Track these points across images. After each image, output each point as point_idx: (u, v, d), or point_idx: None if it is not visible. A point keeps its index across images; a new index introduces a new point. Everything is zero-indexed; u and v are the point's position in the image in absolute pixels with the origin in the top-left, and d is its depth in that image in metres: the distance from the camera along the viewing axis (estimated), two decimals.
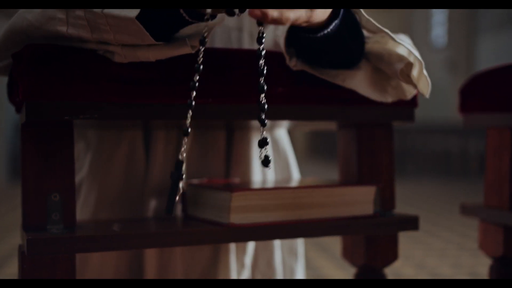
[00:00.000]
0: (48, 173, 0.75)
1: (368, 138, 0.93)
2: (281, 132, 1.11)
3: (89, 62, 0.74)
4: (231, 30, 0.99)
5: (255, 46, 0.95)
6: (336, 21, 0.77)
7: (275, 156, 1.09)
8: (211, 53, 0.80)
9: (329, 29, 0.76)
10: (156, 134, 0.98)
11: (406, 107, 0.91)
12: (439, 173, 7.35)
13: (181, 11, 0.70)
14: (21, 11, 0.75)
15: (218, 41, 0.98)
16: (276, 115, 0.84)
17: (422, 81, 0.81)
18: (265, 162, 0.67)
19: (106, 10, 0.70)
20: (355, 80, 0.83)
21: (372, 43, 0.84)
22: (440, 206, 4.73)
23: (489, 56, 7.99)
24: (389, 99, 0.86)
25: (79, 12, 0.71)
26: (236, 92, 0.81)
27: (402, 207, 1.00)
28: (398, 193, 0.95)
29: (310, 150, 11.36)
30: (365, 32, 0.83)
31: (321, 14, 0.73)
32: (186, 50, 0.72)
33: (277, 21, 0.67)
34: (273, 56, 0.83)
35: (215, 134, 1.01)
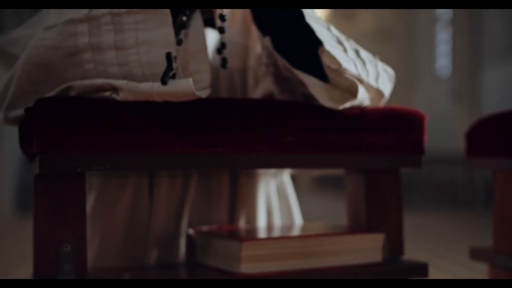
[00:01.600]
0: (60, 223, 0.76)
1: (376, 184, 0.94)
2: (285, 177, 1.12)
3: (101, 113, 0.75)
4: (235, 72, 1.00)
5: (263, 86, 0.97)
6: None
7: (279, 201, 1.10)
8: (218, 102, 0.81)
9: None
10: (160, 181, 0.99)
11: (413, 154, 0.92)
12: (446, 204, 7.32)
13: None
14: (32, 43, 0.77)
15: (222, 82, 0.99)
16: (285, 164, 0.85)
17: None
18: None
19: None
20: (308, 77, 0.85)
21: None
22: (448, 238, 4.70)
23: (493, 85, 8.01)
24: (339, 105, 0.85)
25: (104, 19, 0.74)
26: (244, 141, 0.82)
27: (409, 240, 1.01)
28: (404, 224, 0.96)
29: (316, 180, 11.36)
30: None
31: None
32: (188, 89, 0.71)
33: None
34: (282, 106, 0.84)
35: (219, 179, 1.01)
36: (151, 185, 0.99)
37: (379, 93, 0.90)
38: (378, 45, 10.17)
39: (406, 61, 10.38)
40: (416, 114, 0.92)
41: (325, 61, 0.81)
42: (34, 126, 0.72)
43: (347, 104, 0.84)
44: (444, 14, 9.59)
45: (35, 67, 0.77)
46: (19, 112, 0.82)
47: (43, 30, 0.77)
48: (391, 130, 0.90)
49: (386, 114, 0.90)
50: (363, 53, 0.89)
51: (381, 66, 0.92)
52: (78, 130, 0.74)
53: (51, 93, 0.79)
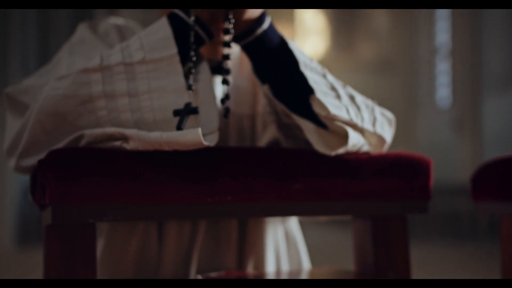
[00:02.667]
0: (70, 272, 0.77)
1: (383, 230, 0.95)
2: (293, 222, 1.12)
3: (112, 164, 0.76)
4: (244, 118, 1.02)
5: (269, 133, 0.99)
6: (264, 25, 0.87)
7: (287, 246, 1.10)
8: (226, 151, 0.82)
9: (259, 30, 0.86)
10: (169, 226, 0.99)
11: (420, 199, 0.93)
12: (449, 235, 7.28)
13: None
14: (45, 93, 0.79)
15: (231, 128, 1.00)
16: (292, 212, 0.86)
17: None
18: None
19: (147, 55, 0.78)
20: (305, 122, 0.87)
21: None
22: (452, 271, 4.67)
23: (494, 115, 8.04)
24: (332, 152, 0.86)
25: (117, 68, 0.77)
26: (253, 189, 0.82)
27: (414, 272, 1.01)
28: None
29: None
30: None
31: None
32: (196, 139, 0.72)
33: None
34: (289, 154, 0.86)
35: (228, 224, 1.02)
36: (160, 229, 1.00)
37: (380, 138, 0.91)
38: (378, 76, 10.25)
39: (407, 91, 10.43)
40: (422, 160, 0.93)
41: (315, 108, 0.83)
42: (46, 178, 0.74)
43: (341, 150, 0.85)
44: (443, 45, 9.68)
45: (48, 116, 0.79)
46: (31, 161, 0.83)
47: (56, 80, 0.79)
48: (398, 176, 0.91)
49: (392, 161, 0.91)
50: (359, 99, 0.91)
51: (378, 111, 0.93)
52: (90, 182, 0.75)
53: (63, 142, 0.80)
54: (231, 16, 0.84)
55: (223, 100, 0.88)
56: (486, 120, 8.21)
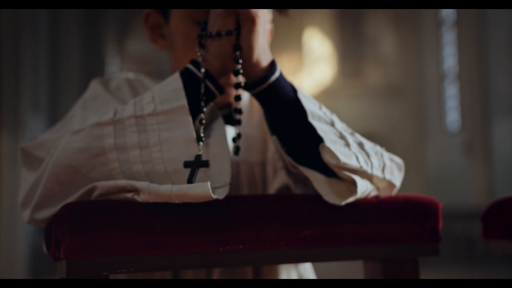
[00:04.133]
0: None
1: (395, 272, 0.95)
2: (307, 265, 1.13)
3: (124, 217, 0.78)
4: (254, 165, 1.03)
5: (279, 179, 1.00)
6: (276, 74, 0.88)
7: None
8: (236, 200, 0.83)
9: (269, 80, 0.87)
10: (184, 273, 1.00)
11: (430, 242, 0.93)
12: (462, 259, 7.22)
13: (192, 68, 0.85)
14: (61, 146, 0.81)
15: (243, 176, 1.02)
16: (304, 258, 0.87)
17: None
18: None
19: (158, 106, 0.80)
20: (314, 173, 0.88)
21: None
22: None
23: (504, 137, 8.02)
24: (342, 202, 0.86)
25: (129, 121, 0.79)
26: (264, 237, 0.83)
27: None
28: None
29: None
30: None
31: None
32: (206, 193, 0.74)
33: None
34: (298, 200, 0.87)
35: (242, 269, 1.03)
36: (176, 275, 1.01)
37: (389, 183, 0.92)
38: (387, 101, 10.27)
39: (416, 116, 10.43)
40: (432, 203, 0.94)
41: (325, 157, 0.84)
42: (61, 233, 0.75)
43: (351, 199, 0.86)
44: (451, 69, 9.70)
45: (63, 169, 0.80)
46: (45, 214, 0.85)
47: (71, 134, 0.81)
48: (407, 220, 0.91)
49: (401, 204, 0.92)
50: (368, 146, 0.92)
51: (387, 156, 0.94)
52: (104, 235, 0.76)
53: (76, 194, 0.82)
54: (239, 58, 0.85)
55: (234, 139, 0.89)
56: (496, 143, 8.18)
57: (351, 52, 10.48)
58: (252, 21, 0.83)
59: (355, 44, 10.54)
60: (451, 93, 9.67)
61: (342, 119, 0.99)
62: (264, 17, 0.86)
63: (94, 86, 1.02)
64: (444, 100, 9.86)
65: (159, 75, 8.55)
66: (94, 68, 9.29)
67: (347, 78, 10.39)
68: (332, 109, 1.01)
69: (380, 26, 10.49)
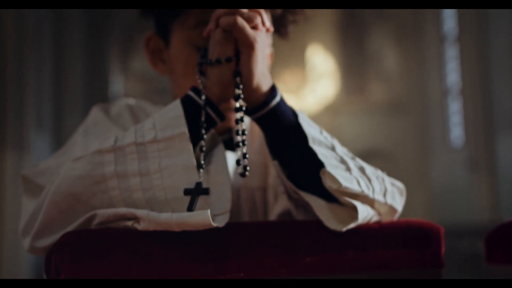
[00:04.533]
0: None
1: None
2: None
3: (124, 245, 0.77)
4: (255, 191, 1.03)
5: (280, 205, 1.00)
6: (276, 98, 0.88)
7: None
8: (237, 228, 0.83)
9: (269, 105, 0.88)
10: None
11: (432, 268, 0.92)
12: (468, 277, 7.16)
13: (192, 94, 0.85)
14: (62, 174, 0.81)
15: (243, 201, 1.02)
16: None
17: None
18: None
19: (159, 133, 0.81)
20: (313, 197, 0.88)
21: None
22: None
23: (508, 153, 7.98)
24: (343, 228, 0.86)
25: (129, 148, 0.79)
26: (265, 265, 0.83)
27: None
28: None
29: None
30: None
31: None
32: (206, 221, 0.74)
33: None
34: (299, 227, 0.86)
35: None
36: None
37: (390, 208, 0.92)
38: (390, 117, 10.27)
39: (420, 132, 10.42)
40: (433, 228, 0.93)
41: (326, 182, 0.84)
42: (61, 261, 0.75)
43: (352, 225, 0.85)
44: (454, 85, 9.70)
45: (63, 196, 0.80)
46: (45, 242, 0.84)
47: (72, 161, 0.82)
48: (409, 246, 0.91)
49: (403, 230, 0.91)
50: (369, 170, 0.92)
51: (388, 181, 0.94)
52: (104, 264, 0.76)
53: (77, 222, 0.82)
54: (240, 84, 0.85)
55: (238, 161, 0.89)
56: (501, 158, 8.15)
57: (354, 68, 10.50)
58: (250, 47, 0.84)
59: (358, 60, 10.56)
60: (455, 108, 9.66)
61: (345, 135, 1.00)
62: (262, 42, 0.86)
63: (95, 112, 1.03)
64: (448, 116, 9.86)
65: (163, 93, 8.58)
66: (98, 86, 9.33)
67: (350, 94, 10.40)
68: (335, 126, 1.01)
69: (383, 42, 10.52)
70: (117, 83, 9.93)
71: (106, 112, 1.03)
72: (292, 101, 9.97)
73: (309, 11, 1.09)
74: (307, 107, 9.84)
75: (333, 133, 1.13)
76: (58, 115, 7.99)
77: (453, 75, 9.66)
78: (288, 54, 9.41)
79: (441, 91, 9.97)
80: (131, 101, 1.09)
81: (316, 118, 9.53)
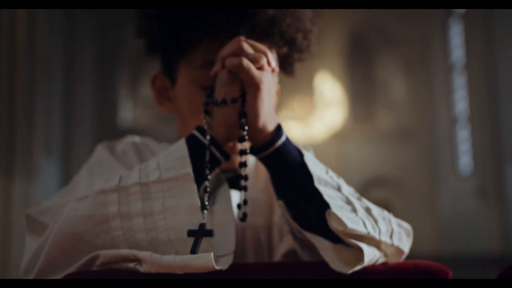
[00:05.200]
0: None
1: None
2: None
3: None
4: (260, 230, 1.02)
5: (285, 244, 0.99)
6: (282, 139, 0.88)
7: None
8: (241, 268, 0.82)
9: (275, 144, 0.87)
10: None
11: None
12: None
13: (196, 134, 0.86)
14: (65, 213, 0.81)
15: (248, 240, 1.01)
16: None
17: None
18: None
19: (163, 174, 0.80)
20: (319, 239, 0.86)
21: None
22: None
23: None
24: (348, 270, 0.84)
25: (133, 189, 0.79)
26: None
27: None
28: None
29: None
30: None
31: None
32: (209, 264, 0.74)
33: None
34: (304, 268, 0.85)
35: None
36: None
37: (397, 249, 0.90)
38: (398, 145, 10.25)
39: (428, 160, 10.38)
40: (441, 270, 0.92)
41: (332, 223, 0.83)
42: None
43: (357, 267, 0.84)
44: (462, 113, 9.69)
45: (66, 236, 0.80)
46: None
47: (76, 201, 0.81)
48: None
49: (410, 272, 0.90)
50: (375, 211, 0.91)
51: (395, 221, 0.93)
52: None
53: (79, 263, 0.81)
54: (245, 124, 0.85)
55: (239, 206, 0.89)
56: (510, 186, 8.09)
57: (361, 96, 10.53)
58: (256, 88, 0.84)
59: (366, 88, 10.59)
60: (463, 136, 9.63)
61: (353, 163, 0.99)
62: (268, 82, 0.86)
63: (100, 150, 1.03)
64: (456, 144, 9.82)
65: (171, 121, 8.59)
66: (107, 112, 9.39)
67: (358, 122, 10.40)
68: (343, 153, 1.00)
69: (390, 69, 10.55)
70: (126, 110, 9.99)
71: (111, 150, 1.03)
72: (300, 129, 10.04)
73: (315, 48, 1.09)
74: (315, 135, 9.85)
75: (341, 160, 1.12)
76: (67, 141, 8.03)
77: (461, 103, 9.66)
78: (296, 82, 9.43)
79: (449, 119, 9.96)
80: (137, 138, 1.09)
81: (324, 145, 9.53)
